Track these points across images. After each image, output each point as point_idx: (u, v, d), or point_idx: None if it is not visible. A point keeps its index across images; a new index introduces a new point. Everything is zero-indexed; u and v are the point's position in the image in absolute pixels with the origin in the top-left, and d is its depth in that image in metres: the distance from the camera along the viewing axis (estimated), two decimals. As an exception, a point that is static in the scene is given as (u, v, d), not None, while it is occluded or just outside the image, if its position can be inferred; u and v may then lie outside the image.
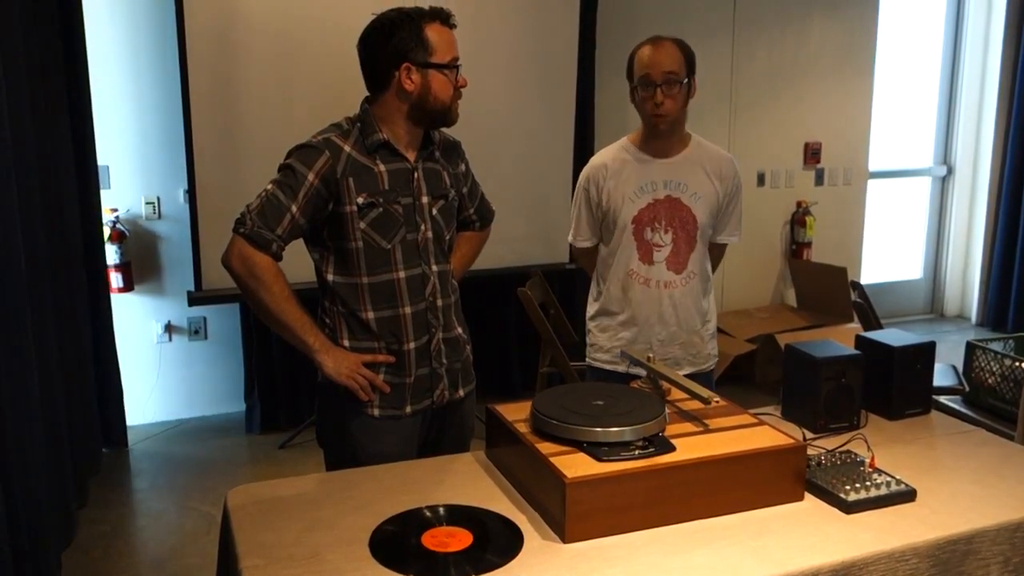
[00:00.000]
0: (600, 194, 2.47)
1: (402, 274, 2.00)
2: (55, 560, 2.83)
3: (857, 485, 1.67)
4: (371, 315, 2.00)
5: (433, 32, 1.95)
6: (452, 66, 1.98)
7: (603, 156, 2.52)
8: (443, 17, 1.98)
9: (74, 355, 3.42)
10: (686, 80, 2.34)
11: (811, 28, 5.32)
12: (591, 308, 2.60)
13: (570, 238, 2.63)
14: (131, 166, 4.13)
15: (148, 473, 3.89)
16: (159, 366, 4.35)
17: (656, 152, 2.44)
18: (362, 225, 1.96)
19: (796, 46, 5.31)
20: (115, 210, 4.08)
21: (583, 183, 2.53)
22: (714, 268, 2.59)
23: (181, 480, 3.79)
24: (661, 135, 2.41)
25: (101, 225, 3.94)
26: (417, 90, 1.96)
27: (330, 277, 2.02)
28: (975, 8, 5.89)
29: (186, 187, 3.96)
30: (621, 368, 2.45)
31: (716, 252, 2.58)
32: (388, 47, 1.95)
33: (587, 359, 2.60)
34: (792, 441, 1.69)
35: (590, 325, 2.60)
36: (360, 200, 1.95)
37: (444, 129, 2.16)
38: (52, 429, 2.89)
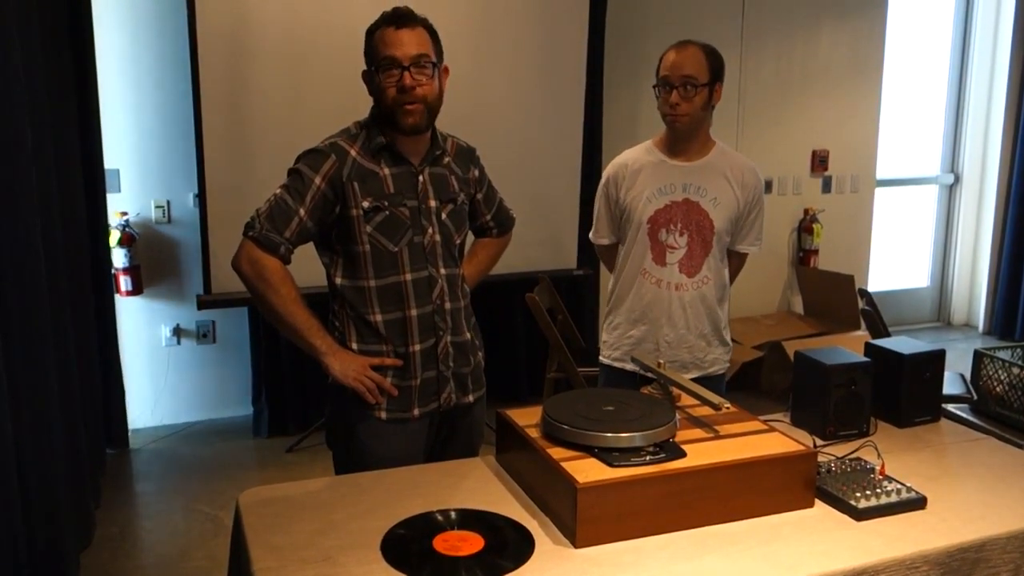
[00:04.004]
0: (619, 193, 2.50)
1: (409, 277, 2.01)
2: (75, 561, 2.85)
3: (867, 492, 1.67)
4: (379, 318, 2.01)
5: (378, 36, 1.96)
6: (383, 67, 1.95)
7: (626, 156, 2.55)
8: (386, 20, 1.96)
9: (84, 357, 3.44)
10: (707, 85, 2.35)
11: (819, 36, 5.33)
12: (606, 304, 2.63)
13: (591, 235, 2.67)
14: (141, 170, 4.15)
15: (156, 476, 3.90)
16: (167, 369, 4.36)
17: (678, 155, 2.46)
18: (368, 229, 1.97)
19: (804, 54, 5.32)
20: (125, 213, 4.10)
21: (604, 181, 2.58)
22: (733, 277, 2.59)
23: (189, 483, 3.80)
24: (680, 136, 2.43)
25: (108, 229, 3.96)
26: (373, 96, 2.00)
27: (338, 281, 2.04)
28: (983, 17, 5.89)
29: (196, 191, 3.98)
30: (630, 366, 2.46)
31: (736, 261, 2.59)
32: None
33: (600, 356, 2.61)
34: (802, 448, 1.70)
35: (603, 323, 2.63)
36: (365, 204, 1.96)
37: (458, 134, 2.18)
38: (70, 430, 2.91)
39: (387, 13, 1.97)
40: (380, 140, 1.99)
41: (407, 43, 1.93)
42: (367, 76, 2.01)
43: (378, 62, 1.95)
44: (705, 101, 2.37)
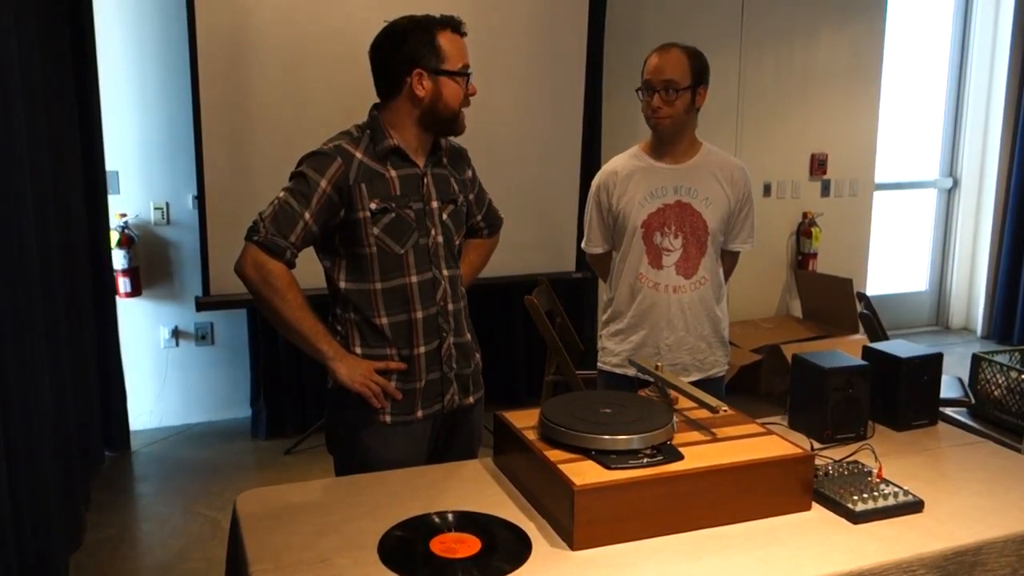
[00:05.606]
0: (611, 200, 2.50)
1: (414, 279, 2.01)
2: (63, 562, 2.84)
3: (864, 495, 1.67)
4: (385, 320, 2.01)
5: (445, 39, 1.97)
6: (463, 73, 2.00)
7: (614, 163, 2.55)
8: (454, 25, 2.00)
9: (81, 358, 3.44)
10: (689, 88, 2.35)
11: (818, 40, 5.34)
12: (603, 313, 2.63)
13: (583, 244, 2.66)
14: (141, 171, 4.16)
15: (154, 477, 3.90)
16: (166, 371, 4.36)
17: (666, 158, 2.46)
18: (375, 231, 1.97)
19: (803, 58, 5.33)
20: (124, 215, 4.10)
21: (594, 190, 2.57)
22: (727, 276, 2.60)
23: (187, 485, 3.80)
24: (664, 139, 2.44)
25: (108, 231, 3.96)
26: (428, 96, 1.98)
27: (342, 284, 2.03)
28: (982, 21, 5.91)
29: (195, 193, 3.98)
30: (631, 372, 2.46)
31: (729, 260, 2.60)
32: (400, 53, 1.97)
33: (598, 363, 2.61)
34: (800, 451, 1.70)
35: (601, 330, 2.63)
36: (373, 206, 1.96)
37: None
38: (62, 432, 2.91)
39: (449, 17, 2.00)
40: (389, 143, 1.99)
41: (466, 52, 2.01)
42: (425, 77, 1.97)
43: (460, 68, 1.99)
44: (688, 104, 2.38)
